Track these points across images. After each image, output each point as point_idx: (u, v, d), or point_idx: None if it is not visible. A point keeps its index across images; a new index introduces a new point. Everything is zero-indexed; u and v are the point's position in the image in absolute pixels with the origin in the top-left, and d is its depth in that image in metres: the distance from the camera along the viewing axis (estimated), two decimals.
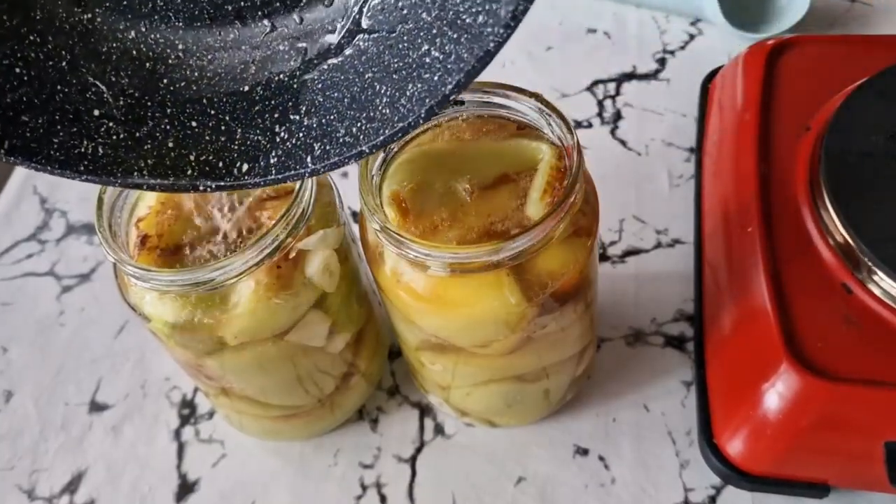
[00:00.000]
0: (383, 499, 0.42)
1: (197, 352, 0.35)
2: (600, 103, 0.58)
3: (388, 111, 0.26)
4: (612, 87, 0.59)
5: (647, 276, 0.48)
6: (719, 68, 0.54)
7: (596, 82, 0.60)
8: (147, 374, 0.48)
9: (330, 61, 0.28)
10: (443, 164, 0.34)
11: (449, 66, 0.24)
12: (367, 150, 0.26)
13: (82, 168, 0.27)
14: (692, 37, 0.61)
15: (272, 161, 0.28)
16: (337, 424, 0.44)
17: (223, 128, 0.29)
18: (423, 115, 0.25)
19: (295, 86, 0.29)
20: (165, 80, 0.29)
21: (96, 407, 0.47)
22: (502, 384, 0.38)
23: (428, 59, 0.25)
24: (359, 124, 0.26)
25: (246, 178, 0.28)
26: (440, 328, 0.35)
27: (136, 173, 0.28)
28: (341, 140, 0.27)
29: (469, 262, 0.30)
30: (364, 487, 0.42)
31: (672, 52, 0.61)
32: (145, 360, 0.49)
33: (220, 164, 0.28)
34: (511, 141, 0.35)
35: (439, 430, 0.44)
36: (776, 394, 0.35)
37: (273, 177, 0.28)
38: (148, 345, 0.49)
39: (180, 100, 0.29)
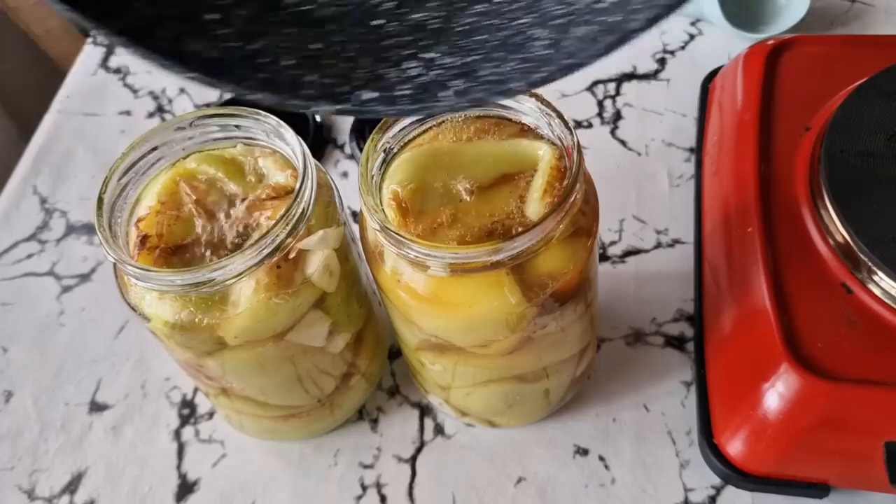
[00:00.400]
0: (383, 499, 0.42)
1: (197, 352, 0.35)
2: (600, 103, 0.58)
3: (548, 52, 0.23)
4: (612, 87, 0.59)
5: (647, 276, 0.48)
6: (719, 68, 0.54)
7: (596, 82, 0.60)
8: (147, 374, 0.48)
9: (477, 7, 0.26)
10: (443, 164, 0.34)
11: (632, 7, 0.21)
12: (521, 88, 0.23)
13: (191, 65, 0.25)
14: (692, 37, 0.61)
15: (400, 93, 0.25)
16: (337, 424, 0.44)
17: (346, 55, 0.26)
18: (599, 53, 0.21)
19: (434, 27, 0.26)
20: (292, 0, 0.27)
21: (96, 407, 0.47)
22: (502, 384, 0.38)
23: (603, 4, 0.22)
24: (509, 65, 0.24)
25: (370, 104, 0.25)
26: (440, 328, 0.35)
27: (244, 83, 0.25)
28: (485, 78, 0.24)
29: (469, 262, 0.30)
30: (364, 487, 0.42)
31: (672, 52, 0.61)
32: (145, 360, 0.49)
33: (341, 90, 0.25)
34: (511, 141, 0.35)
35: (439, 430, 0.44)
36: (776, 394, 0.35)
37: (400, 107, 0.25)
38: (148, 345, 0.49)
39: (304, 23, 0.27)
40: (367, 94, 0.25)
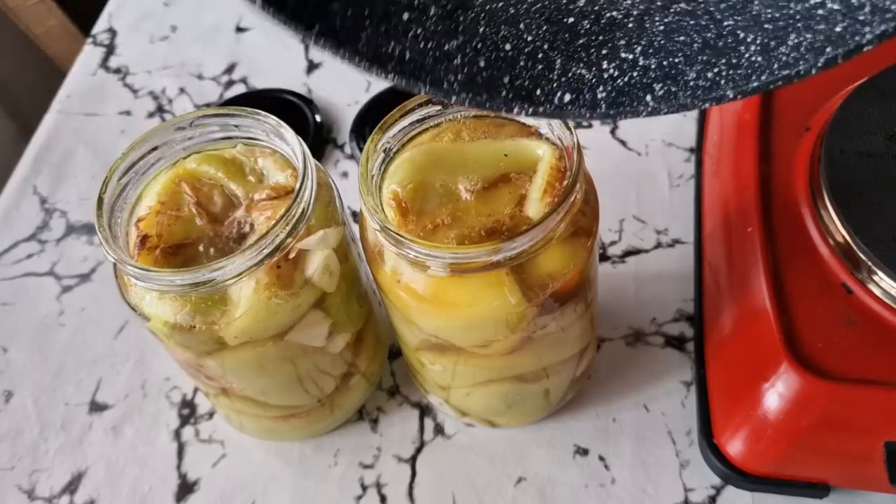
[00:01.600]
0: (383, 499, 0.42)
1: (197, 352, 0.35)
2: None
3: (760, 59, 0.22)
4: None
5: (647, 276, 0.48)
6: None
7: None
8: (147, 374, 0.48)
9: (678, 6, 0.25)
10: (443, 164, 0.34)
11: (861, 18, 0.19)
12: (733, 95, 0.22)
13: (389, 68, 0.25)
14: None
15: (600, 95, 0.25)
16: (337, 424, 0.44)
17: (540, 56, 0.26)
18: (819, 65, 0.20)
19: (630, 25, 0.25)
20: None
21: (96, 407, 0.47)
22: (502, 384, 0.38)
23: (821, 12, 0.20)
24: (716, 69, 0.23)
25: (568, 108, 0.25)
26: (440, 328, 0.35)
27: (444, 84, 0.25)
28: (692, 84, 0.23)
29: (469, 262, 0.30)
30: (364, 487, 0.42)
31: None
32: (145, 360, 0.49)
33: (538, 92, 0.25)
34: (511, 141, 0.35)
35: (439, 430, 0.44)
36: (776, 394, 0.35)
37: (602, 111, 0.25)
38: (148, 345, 0.49)
39: (495, 20, 0.26)
40: (565, 97, 0.25)
